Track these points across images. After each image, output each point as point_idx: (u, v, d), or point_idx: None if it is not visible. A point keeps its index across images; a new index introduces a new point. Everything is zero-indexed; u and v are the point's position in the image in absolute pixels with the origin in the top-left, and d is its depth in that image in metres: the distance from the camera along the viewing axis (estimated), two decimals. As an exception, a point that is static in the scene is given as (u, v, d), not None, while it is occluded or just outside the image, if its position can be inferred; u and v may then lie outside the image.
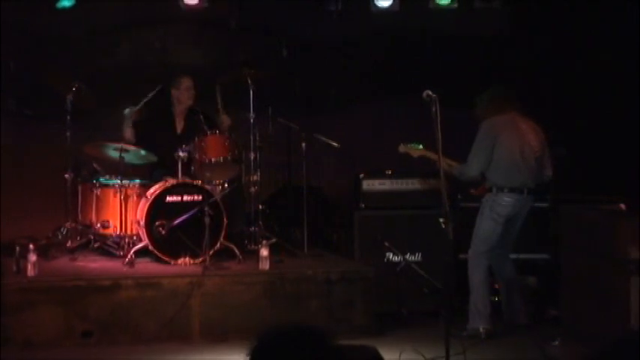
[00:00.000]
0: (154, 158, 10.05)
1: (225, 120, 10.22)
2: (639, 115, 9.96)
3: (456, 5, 10.53)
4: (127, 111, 10.16)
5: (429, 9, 10.59)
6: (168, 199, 9.63)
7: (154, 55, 10.89)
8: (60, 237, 10.10)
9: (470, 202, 9.43)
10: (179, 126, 10.35)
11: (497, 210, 8.92)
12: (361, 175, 10.14)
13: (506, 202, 8.95)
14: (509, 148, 8.96)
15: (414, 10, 10.64)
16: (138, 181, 9.97)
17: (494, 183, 8.94)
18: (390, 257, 9.88)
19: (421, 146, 9.02)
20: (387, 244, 9.84)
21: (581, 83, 10.30)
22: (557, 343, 8.31)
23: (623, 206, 8.36)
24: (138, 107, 10.11)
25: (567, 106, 10.42)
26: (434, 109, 7.57)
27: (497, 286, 9.35)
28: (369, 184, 10.08)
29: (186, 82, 10.32)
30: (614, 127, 10.05)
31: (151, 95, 10.10)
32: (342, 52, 10.87)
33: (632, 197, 8.55)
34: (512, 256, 9.41)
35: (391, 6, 10.51)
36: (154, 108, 10.36)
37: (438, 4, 10.56)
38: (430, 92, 7.73)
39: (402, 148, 9.05)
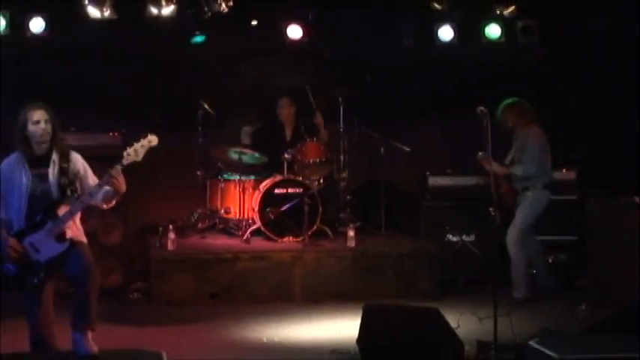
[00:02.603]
0: (265, 159, 10.11)
1: (318, 117, 10.26)
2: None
3: (503, 39, 10.44)
4: (245, 128, 10.30)
5: (482, 42, 10.51)
6: (277, 191, 9.69)
7: (264, 79, 10.92)
8: (193, 220, 10.18)
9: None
10: (288, 135, 10.40)
11: (542, 202, 8.87)
12: (427, 173, 10.13)
13: (548, 195, 8.87)
14: (548, 152, 8.90)
15: (469, 43, 10.55)
16: (253, 177, 10.03)
17: (542, 180, 8.84)
18: (450, 237, 9.85)
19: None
20: (447, 227, 9.82)
21: (602, 100, 10.15)
22: (584, 307, 8.20)
23: (637, 199, 8.23)
24: (253, 128, 10.41)
25: (590, 117, 10.26)
26: (485, 122, 7.51)
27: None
28: (434, 180, 10.07)
29: (283, 102, 10.40)
30: (632, 135, 9.88)
31: (263, 122, 10.47)
32: (413, 76, 10.81)
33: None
34: (548, 237, 9.37)
35: (451, 40, 10.45)
36: (267, 122, 10.50)
37: (489, 39, 10.47)
38: (483, 108, 7.66)
39: (481, 156, 8.50)
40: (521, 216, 8.88)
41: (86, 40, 10.00)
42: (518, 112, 8.94)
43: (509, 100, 8.94)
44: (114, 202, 6.54)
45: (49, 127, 6.37)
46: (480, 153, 8.39)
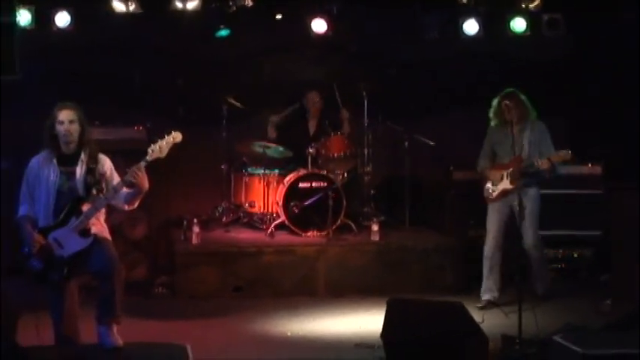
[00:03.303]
0: (289, 153, 10.13)
1: (344, 113, 10.27)
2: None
3: (529, 33, 10.39)
4: (272, 118, 10.31)
5: (507, 36, 10.47)
6: (301, 185, 9.71)
7: (289, 73, 10.93)
8: (217, 214, 10.21)
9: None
10: (312, 129, 10.41)
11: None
12: (451, 167, 10.11)
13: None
14: None
15: (494, 37, 10.51)
16: (277, 170, 10.05)
17: (544, 177, 8.40)
18: (474, 231, 9.82)
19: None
20: (472, 221, 9.79)
21: (629, 94, 10.08)
22: (608, 302, 8.17)
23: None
24: (280, 116, 10.34)
25: (616, 110, 10.20)
26: (510, 115, 7.49)
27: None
28: (458, 174, 10.04)
29: (313, 97, 10.40)
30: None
31: (290, 109, 10.35)
32: (438, 70, 10.78)
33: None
34: (572, 232, 9.36)
35: (476, 33, 10.41)
36: (292, 116, 10.51)
37: (514, 32, 10.42)
38: (508, 102, 7.64)
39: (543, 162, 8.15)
40: (535, 216, 8.39)
41: (111, 34, 10.05)
42: (528, 104, 8.33)
43: (515, 90, 8.29)
44: (136, 204, 6.58)
45: (74, 128, 6.41)
46: (541, 161, 8.11)
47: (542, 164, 8.12)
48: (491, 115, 8.41)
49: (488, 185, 8.42)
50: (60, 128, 6.41)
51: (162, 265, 9.63)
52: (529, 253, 8.40)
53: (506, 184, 8.29)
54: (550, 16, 10.32)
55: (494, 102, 8.29)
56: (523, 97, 8.25)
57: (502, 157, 8.40)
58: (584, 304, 8.45)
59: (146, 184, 6.39)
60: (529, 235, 8.31)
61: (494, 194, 8.39)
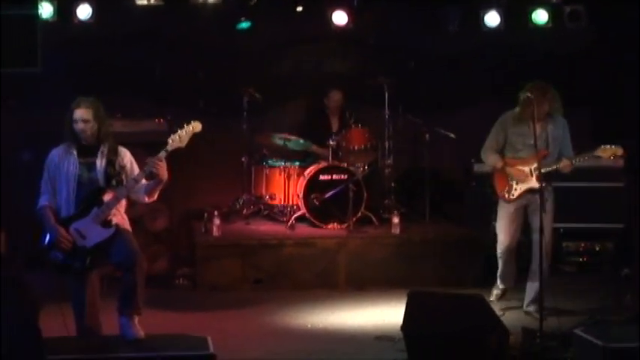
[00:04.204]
0: (310, 146, 10.13)
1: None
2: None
3: (550, 25, 10.34)
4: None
5: (528, 28, 10.42)
6: (321, 177, 9.71)
7: (310, 66, 10.93)
8: (237, 206, 10.20)
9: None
10: (334, 125, 10.39)
11: None
12: (472, 160, 10.07)
13: None
14: None
15: (516, 29, 10.47)
16: (298, 163, 10.05)
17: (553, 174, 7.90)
18: (495, 224, 9.77)
19: None
20: (492, 214, 9.72)
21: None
22: (629, 296, 8.12)
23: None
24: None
25: (633, 105, 10.13)
26: (532, 109, 7.41)
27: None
28: (479, 167, 9.98)
29: (334, 95, 10.39)
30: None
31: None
32: (458, 62, 10.75)
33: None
34: (594, 225, 9.29)
35: (498, 25, 10.38)
36: (313, 109, 10.58)
37: (536, 24, 10.38)
38: (529, 94, 7.54)
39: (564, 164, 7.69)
40: (550, 218, 7.75)
41: (132, 26, 10.08)
42: (559, 98, 7.85)
43: (547, 84, 7.79)
44: (156, 196, 6.60)
45: (88, 127, 6.43)
46: (565, 161, 7.63)
47: (565, 167, 7.66)
48: (518, 106, 7.73)
49: (512, 183, 7.82)
50: (75, 126, 6.44)
51: (183, 257, 9.68)
52: (543, 249, 7.55)
53: (532, 183, 7.68)
54: (572, 7, 10.26)
55: (525, 92, 7.61)
56: (554, 91, 7.77)
57: (518, 150, 7.84)
58: (605, 297, 8.42)
59: (166, 175, 6.41)
60: (549, 230, 7.64)
61: (517, 193, 7.82)
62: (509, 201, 7.90)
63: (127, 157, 6.59)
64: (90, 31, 9.86)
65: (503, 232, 8.01)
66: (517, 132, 7.84)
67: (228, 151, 10.34)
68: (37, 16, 9.18)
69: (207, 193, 10.41)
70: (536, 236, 7.57)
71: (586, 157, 7.74)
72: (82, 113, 6.44)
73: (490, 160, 8.03)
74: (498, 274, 8.24)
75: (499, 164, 7.92)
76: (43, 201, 6.48)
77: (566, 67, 10.41)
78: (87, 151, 6.47)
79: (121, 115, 9.21)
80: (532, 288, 7.81)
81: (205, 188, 10.43)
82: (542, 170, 7.47)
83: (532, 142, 7.42)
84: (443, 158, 10.68)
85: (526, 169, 7.76)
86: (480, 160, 9.88)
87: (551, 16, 10.32)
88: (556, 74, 9.39)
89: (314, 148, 10.12)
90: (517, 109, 7.79)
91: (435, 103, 10.65)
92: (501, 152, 7.98)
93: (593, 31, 10.40)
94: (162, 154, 6.37)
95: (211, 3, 9.93)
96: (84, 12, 9.71)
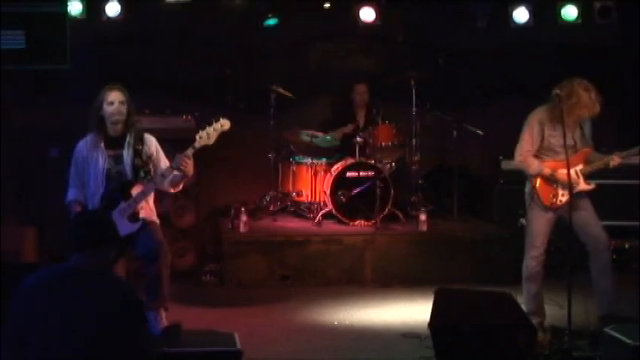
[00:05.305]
0: (337, 142, 10.11)
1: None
2: None
3: (580, 21, 10.27)
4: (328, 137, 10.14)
5: (558, 24, 10.35)
6: (348, 174, 9.69)
7: (337, 63, 10.91)
8: (264, 202, 10.20)
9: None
10: (361, 121, 10.37)
11: None
12: (500, 157, 10.02)
13: None
14: None
15: (545, 25, 10.40)
16: (324, 159, 10.03)
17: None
18: (523, 222, 9.69)
19: None
20: (521, 211, 9.66)
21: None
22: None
23: None
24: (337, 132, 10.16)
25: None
26: (561, 106, 7.26)
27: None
28: (507, 164, 9.93)
29: (360, 88, 10.38)
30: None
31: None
32: (487, 59, 10.69)
33: None
34: (618, 222, 9.21)
35: (527, 22, 10.32)
36: (340, 105, 10.57)
37: (565, 20, 10.31)
38: (558, 91, 7.34)
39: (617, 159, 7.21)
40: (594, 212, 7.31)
41: (160, 24, 10.12)
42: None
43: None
44: (180, 187, 6.62)
45: (123, 109, 6.46)
46: (615, 158, 7.15)
47: (616, 163, 7.14)
48: (562, 103, 6.92)
49: (558, 189, 7.10)
50: (110, 109, 6.45)
51: (210, 253, 9.69)
52: (602, 255, 7.27)
53: (582, 186, 7.15)
54: (602, 3, 10.18)
55: (585, 93, 6.99)
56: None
57: (556, 152, 7.13)
58: (635, 295, 8.32)
59: (192, 171, 6.43)
60: (604, 234, 7.23)
61: (565, 199, 7.02)
62: (555, 208, 7.19)
63: (152, 145, 6.59)
64: (118, 29, 9.91)
65: (541, 238, 7.30)
66: (554, 133, 7.13)
67: (255, 148, 10.35)
68: (66, 13, 9.24)
69: (234, 189, 10.41)
70: (592, 229, 7.18)
71: (637, 152, 7.20)
72: (117, 95, 6.48)
73: (534, 167, 7.18)
74: (525, 299, 7.31)
75: (546, 171, 7.13)
76: (72, 194, 6.51)
77: (596, 63, 10.31)
78: (114, 143, 6.49)
79: (150, 112, 9.23)
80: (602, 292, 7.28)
81: (232, 185, 10.45)
82: (589, 170, 7.15)
83: (571, 142, 6.99)
84: (470, 155, 10.64)
85: (572, 172, 6.92)
86: (507, 157, 9.83)
87: (581, 12, 10.25)
88: (585, 70, 9.30)
89: (337, 132, 10.05)
90: (551, 106, 7.15)
91: (463, 100, 10.61)
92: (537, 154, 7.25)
93: (623, 27, 10.31)
94: (190, 151, 6.38)
95: (239, 0, 9.93)
96: (113, 9, 9.76)
